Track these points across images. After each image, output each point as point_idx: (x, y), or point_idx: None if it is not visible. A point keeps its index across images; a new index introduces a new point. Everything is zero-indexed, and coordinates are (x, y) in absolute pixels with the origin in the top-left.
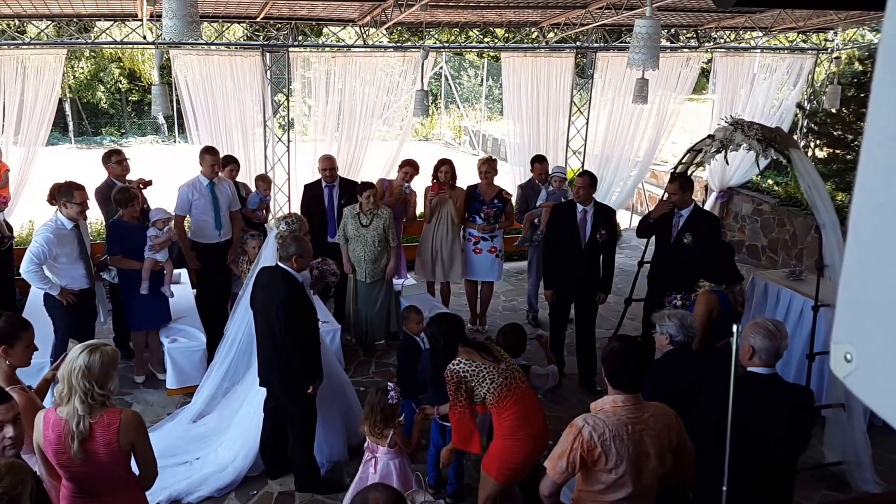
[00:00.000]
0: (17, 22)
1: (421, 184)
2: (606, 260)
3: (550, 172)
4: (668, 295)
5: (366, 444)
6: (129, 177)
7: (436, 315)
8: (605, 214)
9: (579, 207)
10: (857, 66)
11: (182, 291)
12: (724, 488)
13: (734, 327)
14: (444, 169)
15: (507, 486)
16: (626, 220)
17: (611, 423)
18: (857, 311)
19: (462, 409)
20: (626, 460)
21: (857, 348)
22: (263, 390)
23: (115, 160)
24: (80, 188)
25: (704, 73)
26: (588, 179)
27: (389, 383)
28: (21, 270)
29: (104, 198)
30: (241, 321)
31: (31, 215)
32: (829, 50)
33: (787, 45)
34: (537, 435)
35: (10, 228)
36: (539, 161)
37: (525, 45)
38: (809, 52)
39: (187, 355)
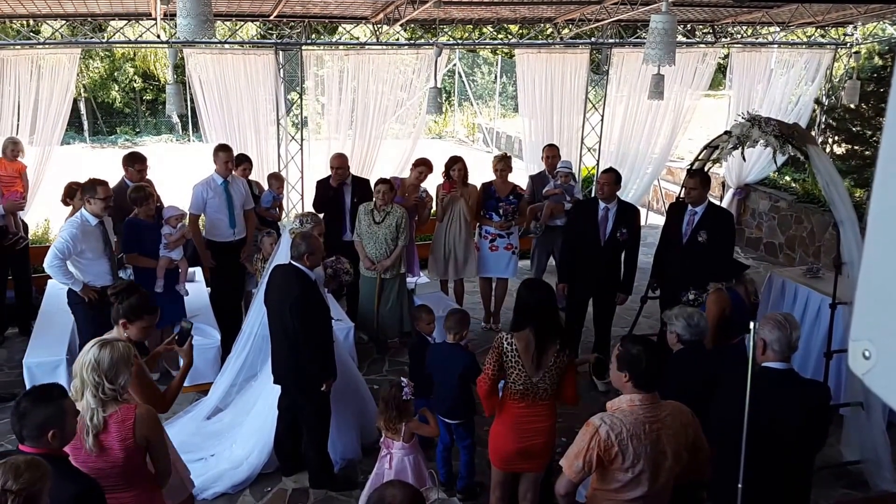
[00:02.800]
0: (31, 22)
1: (432, 182)
2: (628, 260)
3: (557, 167)
4: (682, 293)
5: (381, 440)
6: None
7: (527, 280)
8: (628, 213)
9: (601, 205)
10: (878, 61)
11: (197, 289)
12: (740, 486)
13: (752, 324)
14: (458, 167)
15: (501, 471)
16: (642, 218)
17: (628, 422)
18: (876, 309)
19: (488, 377)
20: (643, 459)
21: (875, 345)
22: (278, 387)
23: (137, 167)
24: (103, 184)
25: (721, 69)
26: (612, 176)
27: (403, 379)
28: (45, 265)
29: (118, 200)
30: (256, 318)
31: (47, 214)
32: (849, 44)
33: (805, 40)
34: (525, 436)
35: (25, 228)
36: (549, 147)
37: (539, 42)
38: (828, 46)
39: (201, 353)
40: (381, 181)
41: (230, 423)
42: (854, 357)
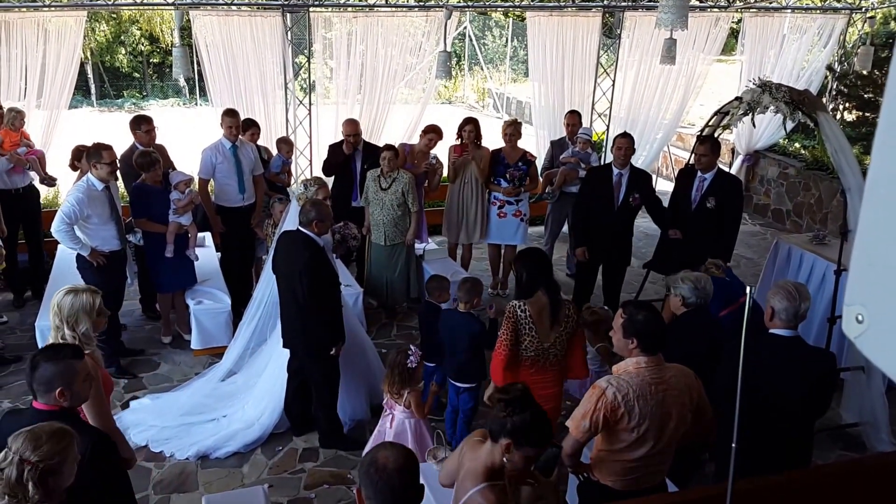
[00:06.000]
0: None
1: (445, 144)
2: (654, 215)
3: (577, 134)
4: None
5: (385, 401)
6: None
7: (526, 249)
8: (640, 179)
9: (615, 171)
10: (893, 26)
11: (207, 254)
12: (734, 445)
13: (748, 288)
14: (469, 128)
15: None
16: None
17: (634, 384)
18: (870, 274)
19: (502, 349)
20: (648, 419)
21: (868, 310)
22: (288, 351)
23: (144, 128)
24: (108, 148)
25: (733, 34)
26: (630, 141)
27: (412, 346)
28: (52, 230)
29: (129, 165)
30: (267, 284)
31: (55, 178)
32: (864, 9)
33: (819, 4)
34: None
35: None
36: (570, 114)
37: (551, 4)
38: (842, 11)
39: (212, 317)
40: (387, 147)
41: (242, 385)
42: (848, 321)
